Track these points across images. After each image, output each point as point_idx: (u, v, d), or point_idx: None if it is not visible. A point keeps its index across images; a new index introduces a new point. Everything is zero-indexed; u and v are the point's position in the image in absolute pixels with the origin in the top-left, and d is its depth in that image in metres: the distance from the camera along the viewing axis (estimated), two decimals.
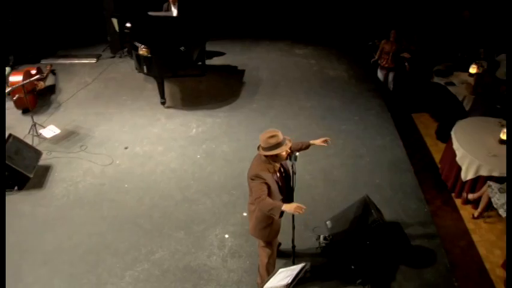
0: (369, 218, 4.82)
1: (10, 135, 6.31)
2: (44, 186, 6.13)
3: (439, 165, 6.58)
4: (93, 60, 9.41)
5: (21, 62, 9.07)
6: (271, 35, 9.92)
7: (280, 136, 3.90)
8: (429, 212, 5.59)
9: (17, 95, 7.40)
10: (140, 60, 7.28)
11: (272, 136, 3.87)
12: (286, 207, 3.78)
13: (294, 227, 4.59)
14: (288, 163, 4.08)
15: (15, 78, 7.44)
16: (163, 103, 7.75)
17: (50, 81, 8.70)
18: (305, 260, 4.74)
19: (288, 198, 4.21)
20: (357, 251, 4.82)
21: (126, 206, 5.76)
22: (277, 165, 4.03)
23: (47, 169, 6.43)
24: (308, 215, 5.22)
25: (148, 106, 7.82)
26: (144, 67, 7.32)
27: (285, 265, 4.76)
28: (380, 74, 8.11)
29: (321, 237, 5.12)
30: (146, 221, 5.53)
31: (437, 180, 6.38)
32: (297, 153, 3.99)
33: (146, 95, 8.09)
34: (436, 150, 6.94)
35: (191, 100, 7.95)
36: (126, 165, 6.47)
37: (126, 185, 6.11)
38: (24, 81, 6.98)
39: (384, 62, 7.89)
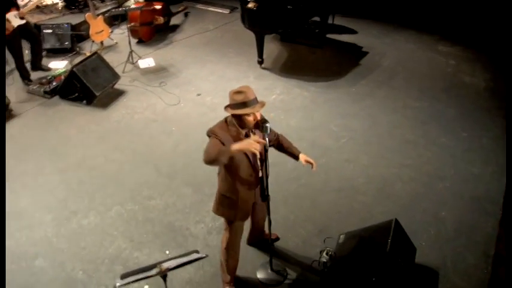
0: (381, 248, 3.57)
1: (96, 52, 6.56)
2: (107, 108, 6.26)
3: None
4: (227, 11, 9.31)
5: None
6: (420, 26, 8.37)
7: (251, 95, 3.07)
8: (488, 276, 3.95)
9: (132, 23, 7.67)
10: (245, 14, 6.79)
11: (239, 92, 3.08)
12: (236, 146, 2.94)
13: (270, 222, 3.69)
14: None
15: (136, 6, 7.71)
16: (259, 62, 7.20)
17: (177, 20, 8.90)
18: (296, 273, 3.84)
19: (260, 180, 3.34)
20: (357, 283, 3.64)
21: (159, 147, 5.50)
22: (243, 131, 3.16)
23: (120, 94, 6.56)
24: (332, 221, 4.34)
25: (246, 62, 7.37)
26: (247, 20, 6.82)
27: (262, 266, 3.92)
28: None
29: (325, 251, 4.03)
30: (166, 167, 5.17)
31: None
32: (268, 125, 3.07)
33: (252, 52, 7.61)
34: None
35: (292, 68, 7.21)
36: (187, 110, 6.19)
37: (173, 128, 5.83)
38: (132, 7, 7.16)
39: None
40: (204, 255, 2.75)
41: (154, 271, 2.61)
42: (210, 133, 3.10)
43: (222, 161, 3.01)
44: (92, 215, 4.55)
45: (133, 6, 7.74)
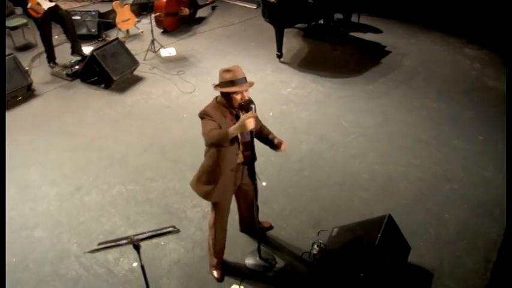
0: (371, 243, 3.49)
1: (116, 39, 6.72)
2: (123, 92, 6.40)
3: None
4: (254, 6, 9.33)
5: None
6: (448, 28, 8.12)
7: (239, 74, 3.08)
8: (486, 282, 3.78)
9: (157, 13, 7.81)
10: (265, 7, 6.79)
11: (228, 71, 3.09)
12: (234, 129, 2.89)
13: (257, 208, 3.68)
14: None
15: None
16: (278, 56, 7.19)
17: (204, 13, 9.01)
18: (285, 262, 3.81)
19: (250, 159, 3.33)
20: (345, 278, 3.57)
21: (168, 132, 5.58)
22: (233, 111, 3.16)
23: (137, 80, 6.70)
24: (329, 215, 4.32)
25: (266, 56, 7.36)
26: (267, 14, 6.82)
27: (252, 253, 3.91)
28: None
29: (317, 243, 3.98)
30: (172, 151, 5.25)
31: None
32: (253, 106, 3.06)
33: (274, 47, 7.57)
34: None
35: (311, 63, 7.15)
36: (201, 99, 6.23)
37: (184, 115, 5.89)
38: None
39: None
40: (176, 230, 2.75)
41: (125, 241, 2.64)
42: (203, 114, 3.10)
43: (224, 146, 3.00)
44: (94, 193, 4.66)
45: None
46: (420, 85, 6.54)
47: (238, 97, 3.07)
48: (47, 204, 4.51)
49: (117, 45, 6.55)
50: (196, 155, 4.99)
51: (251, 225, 4.01)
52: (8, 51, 6.37)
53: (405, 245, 3.81)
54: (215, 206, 3.49)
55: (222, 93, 3.13)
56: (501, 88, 6.39)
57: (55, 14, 6.56)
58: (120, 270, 3.84)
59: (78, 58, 6.82)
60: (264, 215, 4.25)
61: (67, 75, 6.60)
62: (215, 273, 3.75)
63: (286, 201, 4.53)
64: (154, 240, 4.08)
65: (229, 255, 3.92)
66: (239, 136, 3.18)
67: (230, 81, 3.04)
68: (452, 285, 3.76)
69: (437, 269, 3.87)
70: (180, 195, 4.62)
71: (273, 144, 3.42)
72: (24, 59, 7.01)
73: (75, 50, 7.00)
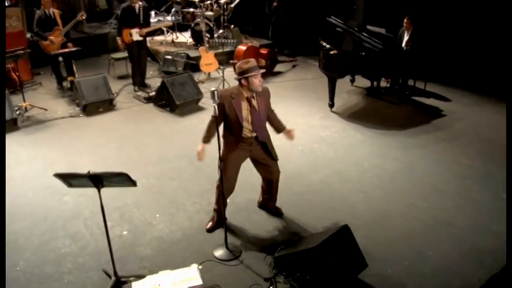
0: (315, 243, 3.69)
1: (187, 71, 7.88)
2: (182, 116, 7.41)
3: None
4: None
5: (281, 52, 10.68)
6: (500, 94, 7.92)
7: (253, 64, 3.96)
8: None
9: (235, 60, 8.90)
10: (322, 58, 7.41)
11: (247, 62, 4.00)
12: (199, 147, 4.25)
13: (225, 205, 4.24)
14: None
15: (242, 47, 8.99)
16: (330, 105, 7.64)
17: (283, 68, 9.96)
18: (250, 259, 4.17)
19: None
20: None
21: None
22: (245, 93, 4.06)
23: (199, 109, 7.70)
24: (308, 229, 4.58)
25: (321, 105, 7.80)
26: (322, 65, 7.43)
27: (221, 245, 4.29)
28: None
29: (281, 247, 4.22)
30: (199, 163, 5.89)
31: None
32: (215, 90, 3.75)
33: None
34: None
35: (361, 116, 7.44)
36: None
37: None
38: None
39: None
40: (131, 179, 3.36)
41: (83, 174, 3.32)
42: (219, 98, 3.88)
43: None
44: (138, 174, 5.42)
45: (241, 47, 9.04)
46: (462, 144, 6.43)
47: (256, 81, 3.94)
48: None
49: (187, 76, 7.66)
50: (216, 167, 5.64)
51: (267, 204, 4.75)
52: (110, 78, 7.92)
53: (361, 261, 3.87)
54: (222, 162, 4.08)
55: (242, 79, 3.96)
56: None
57: (139, 47, 7.97)
58: (112, 236, 4.48)
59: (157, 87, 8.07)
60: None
61: (144, 98, 7.84)
62: (209, 224, 4.54)
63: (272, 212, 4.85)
64: (149, 219, 4.72)
65: (203, 244, 4.34)
66: (249, 117, 4.07)
67: (248, 69, 3.92)
68: None
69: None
70: (187, 193, 5.21)
71: (279, 128, 4.48)
72: (120, 84, 8.51)
73: (138, 82, 8.31)
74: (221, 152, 4.04)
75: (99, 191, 3.48)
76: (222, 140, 4.10)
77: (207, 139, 4.22)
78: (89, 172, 3.36)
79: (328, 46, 7.35)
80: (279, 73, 9.75)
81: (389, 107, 7.88)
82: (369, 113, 7.61)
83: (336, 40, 7.46)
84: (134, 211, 4.91)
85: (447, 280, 3.97)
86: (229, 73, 8.60)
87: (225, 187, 4.21)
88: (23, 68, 8.35)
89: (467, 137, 6.70)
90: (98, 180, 3.43)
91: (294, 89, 8.75)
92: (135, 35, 7.79)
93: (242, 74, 3.97)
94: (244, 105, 4.09)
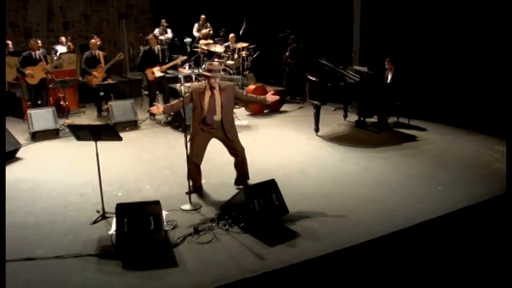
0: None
1: None
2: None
3: None
4: (332, 108, 11.25)
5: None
6: (484, 128, 8.77)
7: (215, 68, 5.50)
8: None
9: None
10: (308, 87, 8.83)
11: (211, 64, 5.61)
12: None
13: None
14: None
15: (251, 86, 10.62)
16: (315, 130, 8.88)
17: (290, 108, 11.33)
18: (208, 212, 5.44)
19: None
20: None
21: (211, 160, 7.67)
22: (208, 86, 5.52)
23: None
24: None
25: (309, 130, 9.00)
26: (308, 93, 8.84)
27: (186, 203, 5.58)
28: None
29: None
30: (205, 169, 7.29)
31: None
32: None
33: (322, 128, 9.21)
34: None
35: (342, 140, 8.54)
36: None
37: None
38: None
39: None
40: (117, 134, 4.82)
41: (85, 125, 4.83)
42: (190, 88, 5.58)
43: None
44: (143, 165, 7.09)
45: (250, 86, 10.66)
46: (423, 158, 7.27)
47: (212, 80, 5.36)
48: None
49: None
50: (216, 174, 6.86)
51: (242, 180, 6.01)
52: (140, 111, 9.90)
53: (283, 208, 5.01)
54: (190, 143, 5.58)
55: (204, 75, 5.51)
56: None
57: (160, 83, 9.77)
58: (109, 196, 5.83)
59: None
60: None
61: (164, 122, 9.50)
62: (186, 190, 5.69)
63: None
64: (140, 188, 6.13)
65: (177, 203, 5.63)
66: (206, 103, 5.45)
67: (210, 70, 5.41)
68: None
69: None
70: (176, 177, 6.50)
71: (261, 101, 6.16)
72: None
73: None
74: (190, 134, 5.52)
75: (95, 142, 4.94)
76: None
77: (167, 107, 5.92)
78: (88, 124, 4.86)
79: (313, 79, 8.76)
80: (285, 112, 11.11)
81: (371, 134, 9.00)
82: (349, 137, 8.75)
83: (322, 75, 8.88)
84: (131, 183, 6.34)
85: (355, 231, 4.98)
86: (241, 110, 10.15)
87: (192, 161, 5.57)
88: (71, 100, 10.39)
89: (431, 154, 7.60)
90: (95, 132, 4.90)
91: (293, 121, 10.08)
92: (157, 72, 9.63)
93: (206, 72, 5.50)
94: (207, 95, 5.50)
